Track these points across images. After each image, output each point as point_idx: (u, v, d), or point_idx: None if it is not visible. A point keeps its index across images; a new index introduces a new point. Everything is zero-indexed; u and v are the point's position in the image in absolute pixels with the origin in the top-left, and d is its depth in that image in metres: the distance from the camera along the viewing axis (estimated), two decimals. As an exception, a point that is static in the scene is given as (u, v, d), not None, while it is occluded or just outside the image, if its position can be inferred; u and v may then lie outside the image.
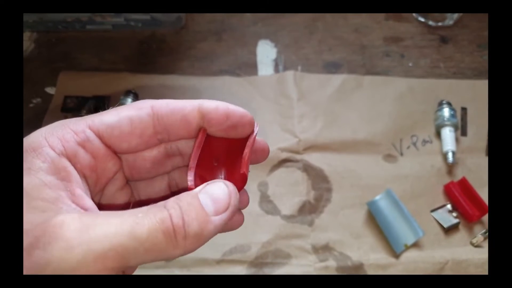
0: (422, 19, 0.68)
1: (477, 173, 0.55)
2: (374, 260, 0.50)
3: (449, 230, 0.52)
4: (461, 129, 0.59)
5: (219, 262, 0.50)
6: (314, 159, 0.57)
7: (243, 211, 0.26)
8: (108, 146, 0.23)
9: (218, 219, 0.20)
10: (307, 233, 0.52)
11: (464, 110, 0.60)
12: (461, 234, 0.52)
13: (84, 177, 0.22)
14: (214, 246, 0.51)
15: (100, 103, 0.60)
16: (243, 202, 0.26)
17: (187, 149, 0.26)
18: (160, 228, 0.18)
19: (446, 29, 0.68)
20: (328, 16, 0.69)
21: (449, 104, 0.58)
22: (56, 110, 0.60)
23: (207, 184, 0.21)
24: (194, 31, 0.68)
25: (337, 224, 0.53)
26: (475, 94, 0.61)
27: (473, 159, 0.56)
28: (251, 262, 0.50)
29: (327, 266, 0.50)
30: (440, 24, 0.68)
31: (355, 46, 0.67)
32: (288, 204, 0.54)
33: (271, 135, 0.58)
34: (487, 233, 0.50)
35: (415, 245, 0.51)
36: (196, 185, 0.24)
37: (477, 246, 0.51)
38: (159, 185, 0.27)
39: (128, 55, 0.66)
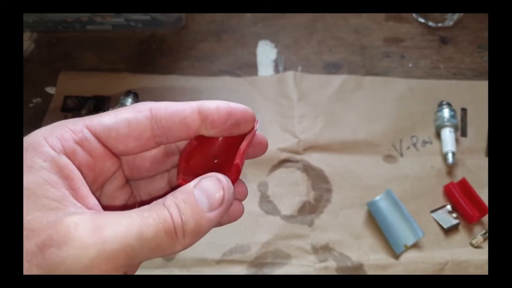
0: (422, 20, 0.68)
1: (477, 174, 0.55)
2: (374, 260, 0.50)
3: (449, 231, 0.52)
4: (461, 130, 0.59)
5: (219, 262, 0.50)
6: (314, 159, 0.57)
7: (245, 210, 0.26)
8: (105, 146, 0.23)
9: (213, 214, 0.21)
10: (307, 233, 0.52)
11: (464, 111, 0.60)
12: (461, 235, 0.52)
13: (82, 175, 0.22)
14: (214, 246, 0.51)
15: (100, 103, 0.60)
16: (241, 194, 0.26)
17: None
18: (163, 227, 0.19)
19: (446, 30, 0.68)
20: (328, 17, 0.69)
21: (449, 105, 0.58)
22: (56, 110, 0.60)
23: (202, 178, 0.22)
24: (194, 31, 0.68)
25: (337, 225, 0.53)
26: (475, 95, 0.61)
27: (473, 160, 0.56)
28: (251, 262, 0.50)
29: (327, 267, 0.50)
30: (440, 25, 0.68)
31: (355, 46, 0.67)
32: (288, 204, 0.54)
33: (271, 135, 0.58)
34: (487, 234, 0.50)
35: (415, 245, 0.51)
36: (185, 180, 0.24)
37: (477, 247, 0.51)
38: (160, 183, 0.27)
39: (128, 55, 0.66)
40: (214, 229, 0.21)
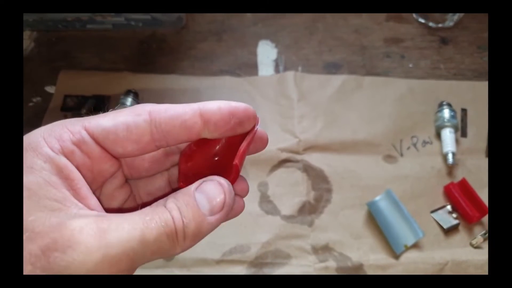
0: (422, 20, 0.68)
1: (477, 174, 0.55)
2: (374, 260, 0.50)
3: (449, 231, 0.52)
4: (461, 130, 0.59)
5: (219, 262, 0.50)
6: (314, 159, 0.57)
7: (245, 210, 0.26)
8: (103, 148, 0.23)
9: (214, 218, 0.21)
10: (307, 233, 0.52)
11: (464, 111, 0.60)
12: (461, 235, 0.52)
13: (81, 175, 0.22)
14: (214, 246, 0.51)
15: (100, 103, 0.60)
16: (242, 191, 0.26)
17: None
18: (164, 231, 0.20)
19: (446, 31, 0.68)
20: (329, 17, 0.69)
21: (449, 105, 0.58)
22: (56, 109, 0.60)
23: (203, 181, 0.22)
24: (194, 31, 0.68)
25: (337, 225, 0.53)
26: (475, 95, 0.61)
27: (473, 160, 0.56)
28: (251, 262, 0.50)
29: (327, 267, 0.50)
30: (440, 25, 0.68)
31: (355, 47, 0.67)
32: (288, 204, 0.54)
33: (271, 135, 0.57)
34: (487, 234, 0.50)
35: (415, 245, 0.51)
36: (186, 181, 0.24)
37: (477, 247, 0.51)
38: (159, 182, 0.27)
39: (128, 54, 0.66)
40: (214, 228, 0.22)
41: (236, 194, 0.25)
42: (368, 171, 0.56)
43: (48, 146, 0.21)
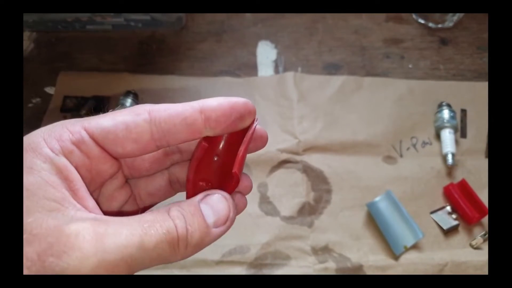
0: (422, 21, 0.68)
1: (477, 175, 0.55)
2: (373, 261, 0.50)
3: (449, 232, 0.52)
4: (461, 131, 0.59)
5: (218, 263, 0.50)
6: (314, 160, 0.57)
7: (245, 211, 0.26)
8: (103, 149, 0.22)
9: (217, 231, 0.22)
10: (306, 234, 0.52)
11: (463, 112, 0.60)
12: (461, 236, 0.52)
13: (79, 175, 0.22)
14: (214, 247, 0.50)
15: (99, 104, 0.60)
16: (246, 188, 0.26)
17: (186, 147, 0.26)
18: (166, 239, 0.20)
19: (446, 31, 0.68)
20: (328, 18, 0.69)
21: (448, 106, 0.59)
22: (55, 110, 0.60)
23: (207, 194, 0.22)
24: (194, 31, 0.68)
25: (337, 226, 0.53)
26: (475, 96, 0.61)
27: (472, 161, 0.56)
28: (251, 263, 0.50)
29: (326, 268, 0.50)
30: (440, 26, 0.68)
31: (355, 47, 0.67)
32: (288, 205, 0.54)
33: (271, 136, 0.57)
34: (487, 235, 0.50)
35: (415, 246, 0.51)
36: (194, 187, 0.24)
37: (477, 248, 0.51)
38: (160, 182, 0.27)
39: (128, 55, 0.66)
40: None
41: (239, 192, 0.25)
42: (367, 172, 0.56)
43: (48, 146, 0.21)
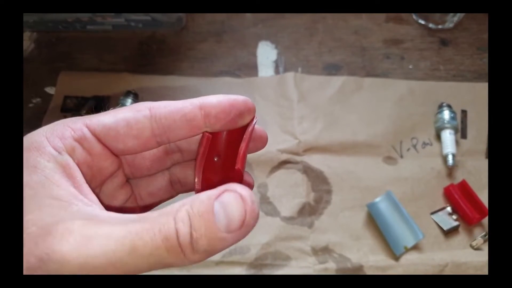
0: (422, 22, 0.68)
1: (477, 176, 0.55)
2: (373, 262, 0.50)
3: (449, 233, 0.52)
4: (461, 132, 0.59)
5: (218, 263, 0.50)
6: (314, 160, 0.57)
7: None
8: (104, 145, 0.23)
9: (229, 237, 0.18)
10: (306, 234, 0.52)
11: (464, 112, 0.60)
12: (461, 237, 0.52)
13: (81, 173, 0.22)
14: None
15: (100, 104, 0.60)
16: (248, 186, 0.26)
17: (186, 146, 0.26)
18: (164, 246, 0.18)
19: (446, 32, 0.68)
20: (329, 18, 0.69)
21: (449, 106, 0.58)
22: (55, 110, 0.60)
23: (225, 190, 0.19)
24: (194, 32, 0.68)
25: (337, 226, 0.53)
26: (475, 96, 0.61)
27: (473, 161, 0.56)
28: (251, 263, 0.50)
29: (326, 268, 0.50)
30: (440, 26, 0.68)
31: (355, 48, 0.67)
32: (288, 205, 0.54)
33: (271, 136, 0.57)
34: (487, 236, 0.50)
35: (415, 247, 0.51)
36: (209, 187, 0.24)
37: (477, 249, 0.51)
38: (160, 182, 0.27)
39: (128, 55, 0.66)
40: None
41: None
42: (368, 172, 0.56)
43: (51, 145, 0.21)
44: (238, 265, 0.50)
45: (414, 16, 0.69)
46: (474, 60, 0.65)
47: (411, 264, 0.50)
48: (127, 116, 0.22)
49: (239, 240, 0.19)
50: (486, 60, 0.65)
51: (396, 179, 0.55)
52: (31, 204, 0.19)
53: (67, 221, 0.18)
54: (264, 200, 0.54)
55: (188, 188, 0.27)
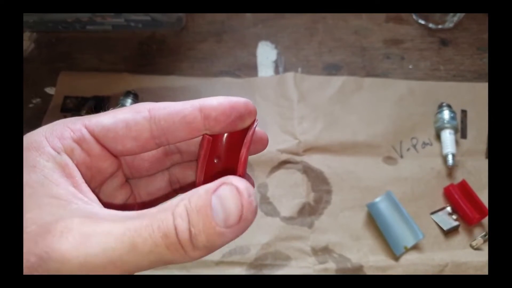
0: (422, 22, 0.68)
1: (477, 176, 0.55)
2: (373, 262, 0.50)
3: (449, 233, 0.52)
4: (461, 132, 0.59)
5: (218, 263, 0.50)
6: (314, 161, 0.57)
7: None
8: (103, 146, 0.23)
9: (229, 232, 0.18)
10: (306, 235, 0.52)
11: (464, 112, 0.60)
12: (461, 237, 0.52)
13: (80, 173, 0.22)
14: (213, 248, 0.51)
15: (99, 104, 0.60)
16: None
17: (186, 147, 0.26)
18: (163, 243, 0.17)
19: (446, 32, 0.68)
20: (329, 18, 0.69)
21: (449, 106, 0.58)
22: (55, 111, 0.60)
23: (223, 183, 0.18)
24: (194, 32, 0.68)
25: (337, 226, 0.53)
26: (475, 96, 0.61)
27: (473, 161, 0.56)
28: (250, 263, 0.50)
29: (326, 268, 0.50)
30: (440, 26, 0.68)
31: (355, 48, 0.67)
32: (288, 205, 0.54)
33: (271, 136, 0.57)
34: (487, 236, 0.50)
35: (415, 247, 0.51)
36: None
37: (477, 249, 0.51)
38: (160, 183, 0.27)
39: (128, 55, 0.66)
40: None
41: None
42: (368, 172, 0.56)
43: (50, 145, 0.21)
44: (238, 265, 0.50)
45: (414, 16, 0.69)
46: (474, 60, 0.65)
47: (411, 264, 0.50)
48: (126, 117, 0.22)
49: (238, 235, 0.18)
50: (486, 60, 0.65)
51: (396, 179, 0.55)
52: (30, 203, 0.19)
53: (66, 219, 0.18)
54: (264, 200, 0.54)
55: (188, 188, 0.27)
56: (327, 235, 0.52)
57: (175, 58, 0.66)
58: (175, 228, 0.17)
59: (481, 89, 0.61)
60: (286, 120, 0.59)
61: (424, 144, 0.58)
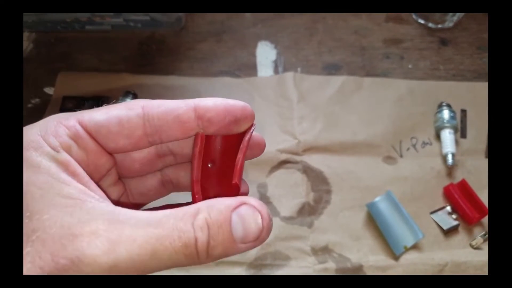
0: (422, 21, 0.68)
1: (477, 175, 0.55)
2: (373, 262, 0.50)
3: (449, 232, 0.52)
4: (461, 131, 0.59)
5: (218, 263, 0.50)
6: (314, 160, 0.57)
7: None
8: (98, 143, 0.22)
9: (244, 247, 0.20)
10: (306, 234, 0.52)
11: (463, 112, 0.60)
12: (461, 236, 0.52)
13: None
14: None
15: (99, 104, 0.60)
16: (245, 195, 0.25)
17: (179, 149, 0.25)
18: (182, 251, 0.19)
19: (446, 31, 0.68)
20: (328, 18, 0.69)
21: (448, 106, 0.58)
22: (54, 111, 0.60)
23: (243, 202, 0.20)
24: (193, 32, 0.68)
25: (337, 226, 0.53)
26: (475, 96, 0.61)
27: (472, 161, 0.56)
28: (250, 263, 0.50)
29: (326, 268, 0.50)
30: (440, 26, 0.68)
31: (355, 47, 0.67)
32: (288, 205, 0.54)
33: (270, 136, 0.58)
34: (487, 235, 0.50)
35: (415, 247, 0.51)
36: (203, 195, 0.23)
37: (477, 248, 0.51)
38: (151, 182, 0.26)
39: (128, 55, 0.66)
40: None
41: None
42: (367, 172, 0.56)
43: (47, 144, 0.21)
44: (238, 265, 0.50)
45: (414, 15, 0.69)
46: (474, 60, 0.65)
47: (411, 264, 0.50)
48: (119, 114, 0.22)
49: (251, 249, 0.20)
50: (486, 59, 0.65)
51: (396, 179, 0.55)
52: (43, 204, 0.19)
53: (89, 222, 0.19)
54: (264, 200, 0.54)
55: (181, 189, 0.27)
56: (327, 235, 0.52)
57: (174, 58, 0.66)
58: (196, 240, 0.19)
59: (481, 89, 0.61)
60: (286, 120, 0.59)
61: (424, 143, 0.58)
